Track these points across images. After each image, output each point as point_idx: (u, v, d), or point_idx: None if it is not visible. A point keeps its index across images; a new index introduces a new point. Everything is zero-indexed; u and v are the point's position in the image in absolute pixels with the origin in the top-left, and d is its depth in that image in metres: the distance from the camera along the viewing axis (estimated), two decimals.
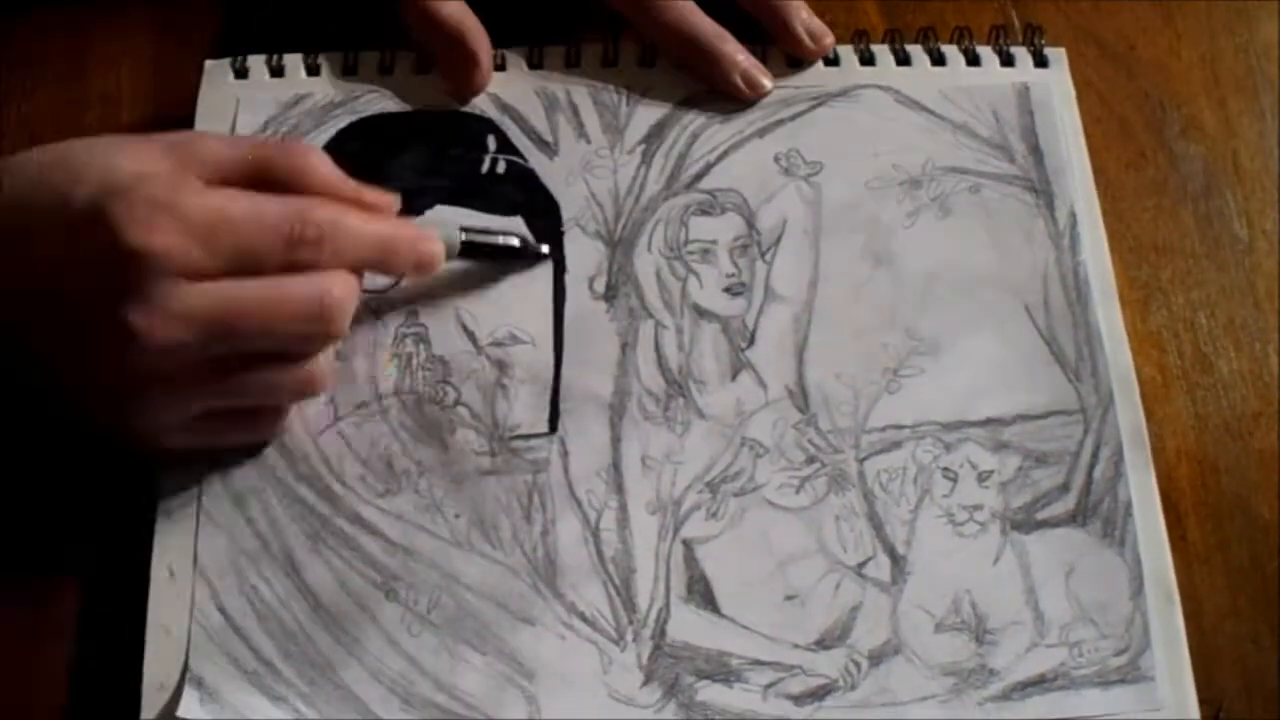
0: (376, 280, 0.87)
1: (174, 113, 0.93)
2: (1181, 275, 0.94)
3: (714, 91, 0.95)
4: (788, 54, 0.97)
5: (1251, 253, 0.95)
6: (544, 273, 0.90)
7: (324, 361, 0.80)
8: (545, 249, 0.89)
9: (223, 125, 0.92)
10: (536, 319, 0.88)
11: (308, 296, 0.75)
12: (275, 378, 0.79)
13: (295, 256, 0.75)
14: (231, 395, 0.79)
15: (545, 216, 0.91)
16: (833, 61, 0.97)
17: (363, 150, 0.92)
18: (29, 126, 0.95)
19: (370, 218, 0.80)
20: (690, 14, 0.95)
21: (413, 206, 0.89)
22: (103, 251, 0.71)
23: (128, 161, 0.74)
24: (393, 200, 0.83)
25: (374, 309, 0.87)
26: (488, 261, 0.88)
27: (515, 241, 0.88)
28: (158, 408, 0.77)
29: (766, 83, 0.95)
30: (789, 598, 0.82)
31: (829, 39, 0.96)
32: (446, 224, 0.85)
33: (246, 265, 0.74)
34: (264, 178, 0.77)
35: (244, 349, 0.76)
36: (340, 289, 0.76)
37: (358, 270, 0.79)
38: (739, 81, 0.94)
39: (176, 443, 0.80)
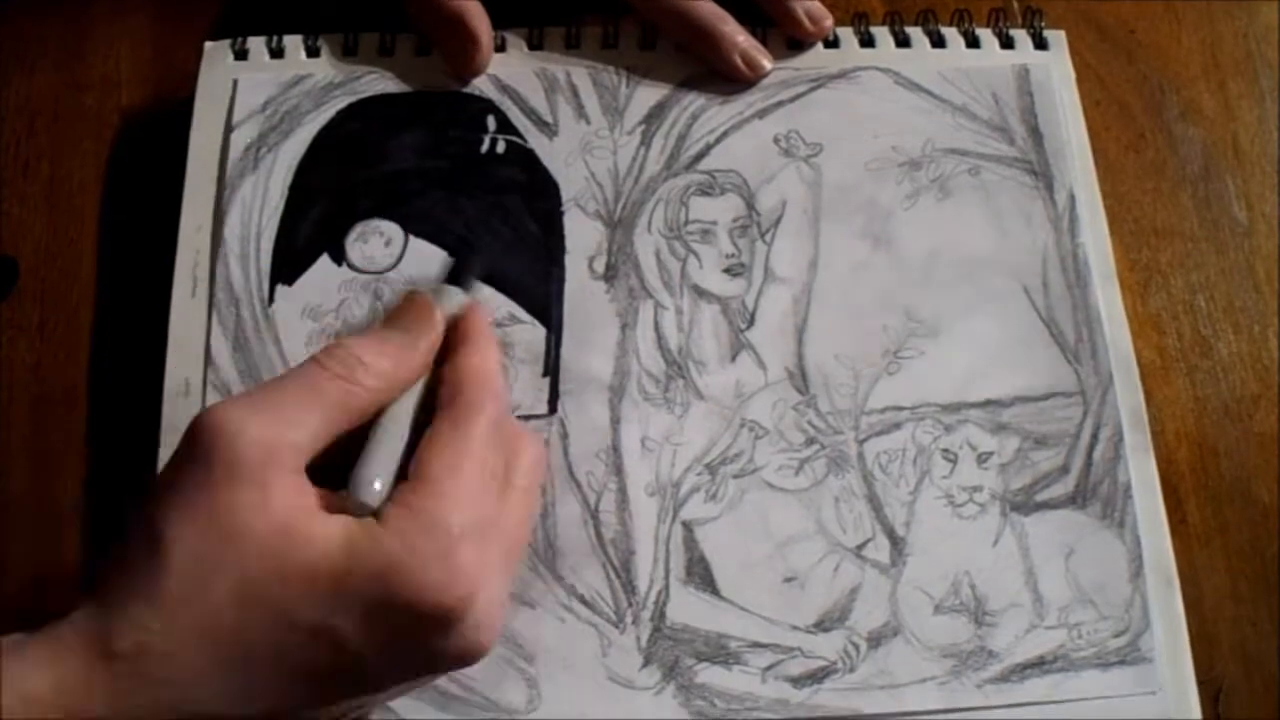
0: (379, 260, 0.88)
1: (174, 95, 0.93)
2: (1181, 258, 0.94)
3: (714, 73, 0.95)
4: (787, 36, 0.97)
5: (1251, 235, 0.95)
6: (543, 253, 0.90)
7: None
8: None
9: (222, 106, 0.92)
10: (536, 299, 0.88)
11: (531, 478, 0.75)
12: None
13: (508, 454, 0.73)
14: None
15: (544, 197, 0.91)
16: (832, 43, 0.97)
17: (362, 130, 0.92)
18: (28, 109, 0.95)
19: (476, 353, 0.75)
20: None
21: (411, 188, 0.90)
22: (415, 619, 0.65)
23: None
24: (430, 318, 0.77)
25: (374, 290, 0.87)
26: None
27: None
28: None
29: (766, 63, 0.95)
30: (788, 580, 0.82)
31: (828, 21, 0.96)
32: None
33: (498, 499, 0.71)
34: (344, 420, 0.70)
35: None
36: (531, 448, 0.75)
37: None
38: (738, 61, 0.94)
39: None
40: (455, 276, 0.81)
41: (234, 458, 0.64)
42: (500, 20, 0.94)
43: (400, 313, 0.76)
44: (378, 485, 0.67)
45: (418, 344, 0.73)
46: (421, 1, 0.92)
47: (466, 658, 0.68)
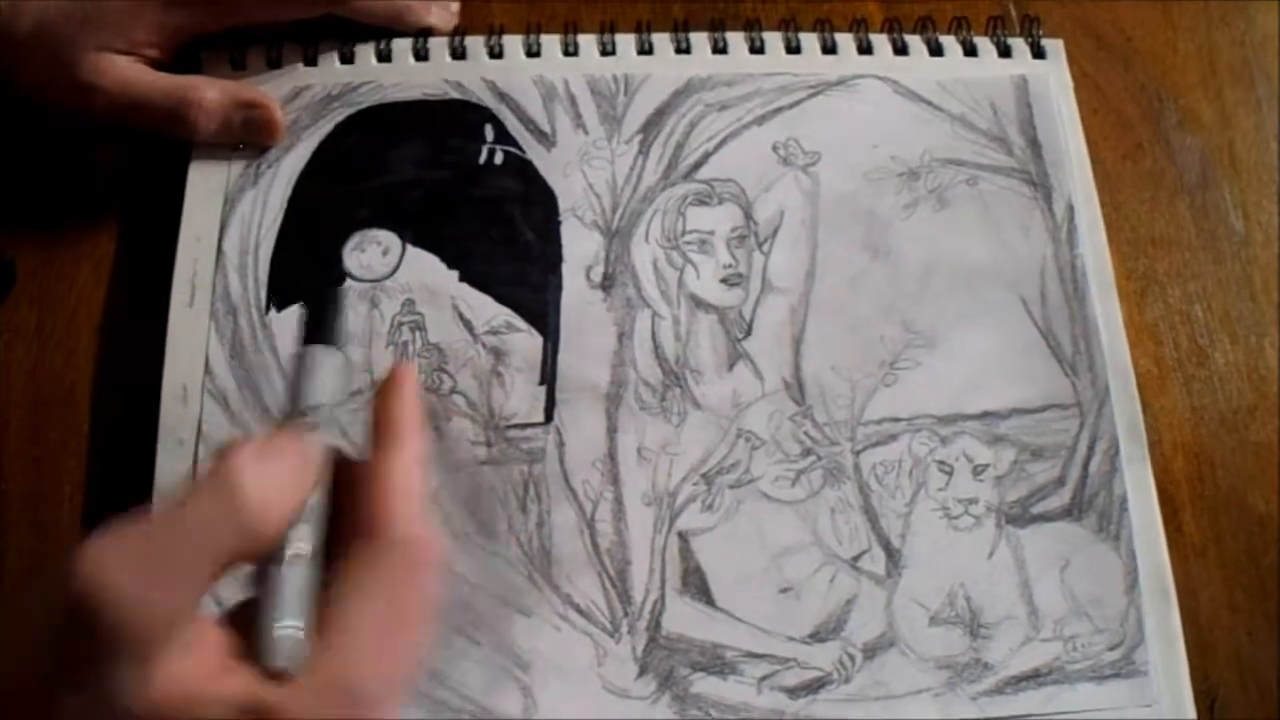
0: (376, 269, 0.88)
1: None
2: (1178, 267, 0.94)
3: (713, 78, 0.95)
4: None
5: (1248, 245, 0.95)
6: (540, 262, 0.90)
7: None
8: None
9: None
10: (533, 308, 0.88)
11: (432, 584, 0.66)
12: None
13: (416, 574, 0.65)
14: None
15: (542, 206, 0.91)
16: (831, 50, 0.97)
17: (361, 142, 0.92)
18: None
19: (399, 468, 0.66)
20: None
21: (409, 198, 0.91)
22: None
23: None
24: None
25: (370, 298, 0.87)
26: None
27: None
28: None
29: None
30: (784, 590, 0.82)
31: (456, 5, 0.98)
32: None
33: (408, 623, 0.64)
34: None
35: None
36: (424, 538, 0.65)
37: None
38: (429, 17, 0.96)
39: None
40: (315, 332, 0.68)
41: (115, 636, 0.56)
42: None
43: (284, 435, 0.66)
44: (287, 643, 0.59)
45: (304, 461, 0.63)
46: (192, 119, 0.90)
47: None
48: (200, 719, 0.57)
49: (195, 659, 0.58)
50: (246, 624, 0.60)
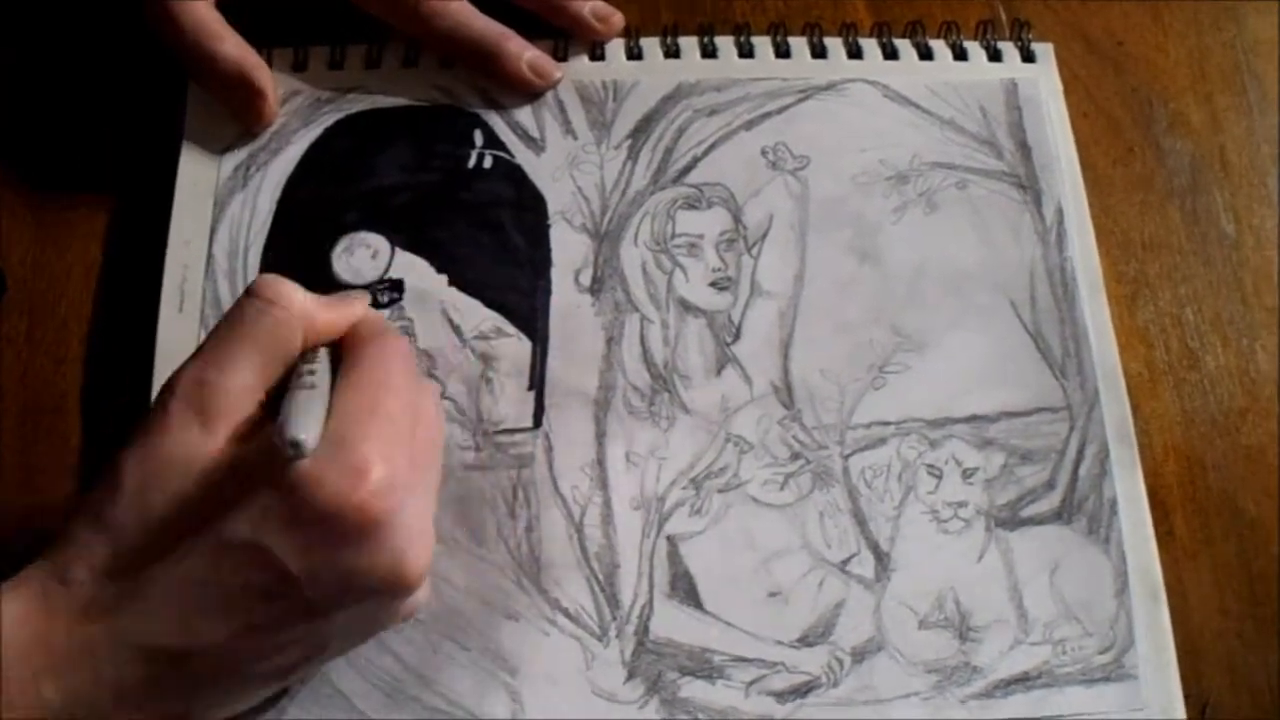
0: (365, 273, 0.88)
1: (162, 114, 0.93)
2: (1168, 270, 0.94)
3: (702, 83, 0.95)
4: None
5: (1238, 248, 0.95)
6: (529, 266, 0.90)
7: None
8: None
9: (211, 124, 0.92)
10: (522, 312, 0.88)
11: (438, 403, 0.78)
12: None
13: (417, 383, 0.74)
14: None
15: (531, 210, 0.91)
16: (820, 54, 0.97)
17: (350, 146, 0.92)
18: None
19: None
20: (468, 17, 0.94)
21: (398, 201, 0.91)
22: (337, 528, 0.65)
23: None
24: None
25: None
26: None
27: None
28: None
29: (556, 71, 0.95)
30: (772, 594, 0.82)
31: (617, 17, 0.97)
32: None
33: (413, 424, 0.71)
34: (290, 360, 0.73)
35: None
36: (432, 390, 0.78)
37: None
38: (527, 72, 0.94)
39: None
40: None
41: (177, 402, 0.68)
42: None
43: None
44: (304, 435, 0.65)
45: (344, 304, 0.75)
46: (198, 63, 0.91)
47: (397, 583, 0.67)
48: (228, 479, 0.66)
49: (239, 432, 0.68)
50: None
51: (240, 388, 0.69)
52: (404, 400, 0.70)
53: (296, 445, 0.63)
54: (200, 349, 0.71)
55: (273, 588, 0.65)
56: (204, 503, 0.65)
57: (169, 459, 0.66)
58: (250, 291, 0.71)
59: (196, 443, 0.66)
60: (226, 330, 0.70)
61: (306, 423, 0.65)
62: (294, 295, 0.71)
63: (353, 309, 0.75)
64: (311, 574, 0.65)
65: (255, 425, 0.68)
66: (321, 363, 0.71)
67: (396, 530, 0.66)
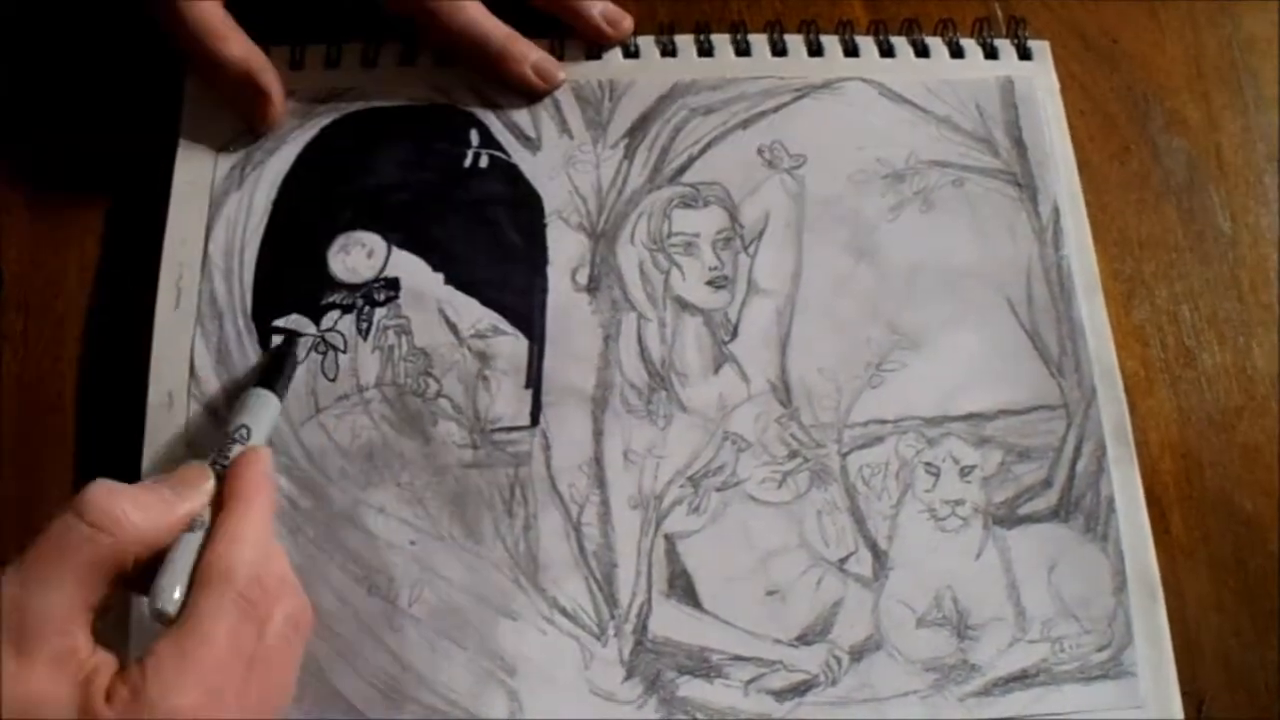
0: (362, 272, 0.88)
1: (158, 113, 0.93)
2: (1165, 269, 0.94)
3: (698, 83, 0.95)
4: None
5: (1235, 246, 0.95)
6: (526, 265, 0.90)
7: None
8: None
9: (208, 123, 0.92)
10: (519, 310, 0.88)
11: (283, 637, 0.73)
12: None
13: (262, 622, 0.72)
14: None
15: (527, 209, 0.91)
16: (816, 52, 0.97)
17: (347, 146, 0.92)
18: None
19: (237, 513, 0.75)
20: (479, 16, 0.94)
21: (394, 200, 0.91)
22: None
23: None
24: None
25: (354, 302, 0.87)
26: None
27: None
28: None
29: (559, 74, 0.94)
30: (770, 593, 0.82)
31: (627, 22, 0.97)
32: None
33: (244, 667, 0.70)
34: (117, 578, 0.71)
35: None
36: (291, 602, 0.74)
37: None
38: (531, 75, 0.93)
39: None
40: (268, 378, 0.84)
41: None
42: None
43: (177, 474, 0.76)
44: (171, 596, 0.70)
45: (177, 508, 0.73)
46: (204, 64, 0.91)
47: None
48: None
49: (59, 668, 0.66)
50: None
51: (59, 615, 0.67)
52: (244, 629, 0.70)
53: (162, 615, 0.69)
54: (17, 565, 0.68)
55: None
56: None
57: None
58: (75, 511, 0.69)
59: (12, 675, 0.65)
60: (47, 551, 0.69)
61: (166, 593, 0.70)
62: (122, 518, 0.70)
63: (196, 499, 0.74)
64: None
65: (73, 651, 0.67)
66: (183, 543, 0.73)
67: None
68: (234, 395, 0.84)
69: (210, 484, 0.75)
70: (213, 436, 0.82)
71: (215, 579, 0.71)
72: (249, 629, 0.70)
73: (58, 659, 0.66)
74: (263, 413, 0.81)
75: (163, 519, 0.72)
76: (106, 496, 0.70)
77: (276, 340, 0.87)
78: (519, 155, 0.92)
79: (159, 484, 0.75)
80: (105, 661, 0.68)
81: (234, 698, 0.68)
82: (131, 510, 0.70)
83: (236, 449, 0.77)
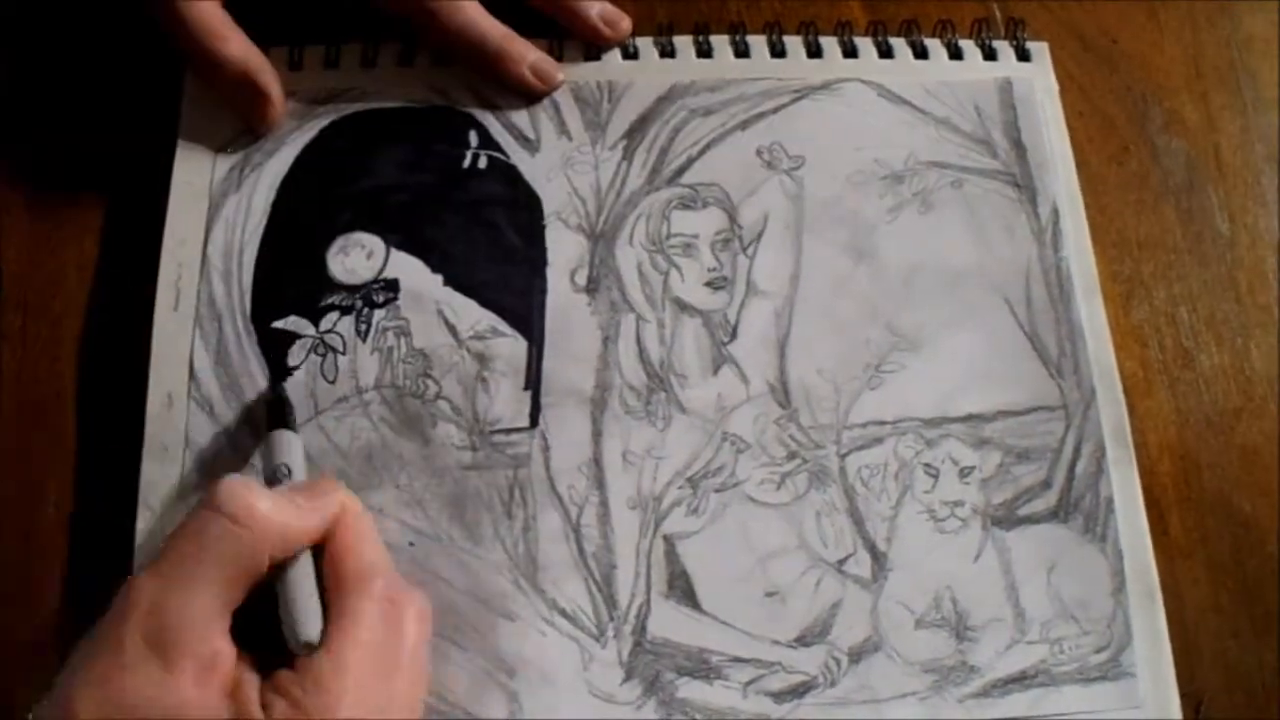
0: (361, 273, 0.88)
1: (157, 113, 0.93)
2: (1163, 270, 0.94)
3: (697, 84, 0.95)
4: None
5: (1233, 247, 0.95)
6: (525, 266, 0.90)
7: None
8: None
9: (207, 123, 0.92)
10: (518, 312, 0.88)
11: (419, 634, 0.75)
12: None
13: (397, 622, 0.74)
14: None
15: (526, 210, 0.91)
16: (815, 53, 0.97)
17: (346, 147, 0.92)
18: None
19: (354, 528, 0.77)
20: (477, 17, 0.94)
21: (393, 202, 0.91)
22: None
23: None
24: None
25: (353, 304, 0.87)
26: None
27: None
28: None
29: (557, 74, 0.94)
30: (769, 594, 0.82)
31: (625, 23, 0.97)
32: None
33: (394, 669, 0.72)
34: (255, 580, 0.71)
35: None
36: (415, 605, 0.75)
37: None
38: (529, 75, 0.93)
39: None
40: (277, 419, 0.84)
41: (134, 635, 0.65)
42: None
43: (304, 484, 0.78)
44: (315, 624, 0.71)
45: (311, 510, 0.74)
46: (203, 64, 0.91)
47: None
48: None
49: (206, 674, 0.66)
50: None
51: (202, 618, 0.67)
52: (384, 634, 0.72)
53: (310, 646, 0.69)
54: (157, 565, 0.69)
55: None
56: None
57: (132, 706, 0.64)
58: (212, 505, 0.70)
59: (159, 683, 0.65)
60: (186, 547, 0.69)
61: (311, 622, 0.71)
62: (261, 511, 0.70)
63: (328, 506, 0.75)
64: None
65: (218, 657, 0.67)
66: (303, 568, 0.74)
67: None
68: (233, 396, 0.85)
69: (341, 493, 0.76)
70: (211, 435, 0.83)
71: (353, 583, 0.72)
72: (393, 630, 0.72)
73: (205, 666, 0.66)
74: (292, 450, 0.81)
75: (297, 519, 0.72)
76: (243, 489, 0.70)
77: (277, 338, 0.87)
78: (518, 156, 0.92)
79: (287, 490, 0.76)
80: (248, 667, 0.68)
81: (388, 700, 0.70)
82: (268, 506, 0.71)
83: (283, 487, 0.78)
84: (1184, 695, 0.81)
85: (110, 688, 0.64)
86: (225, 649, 0.67)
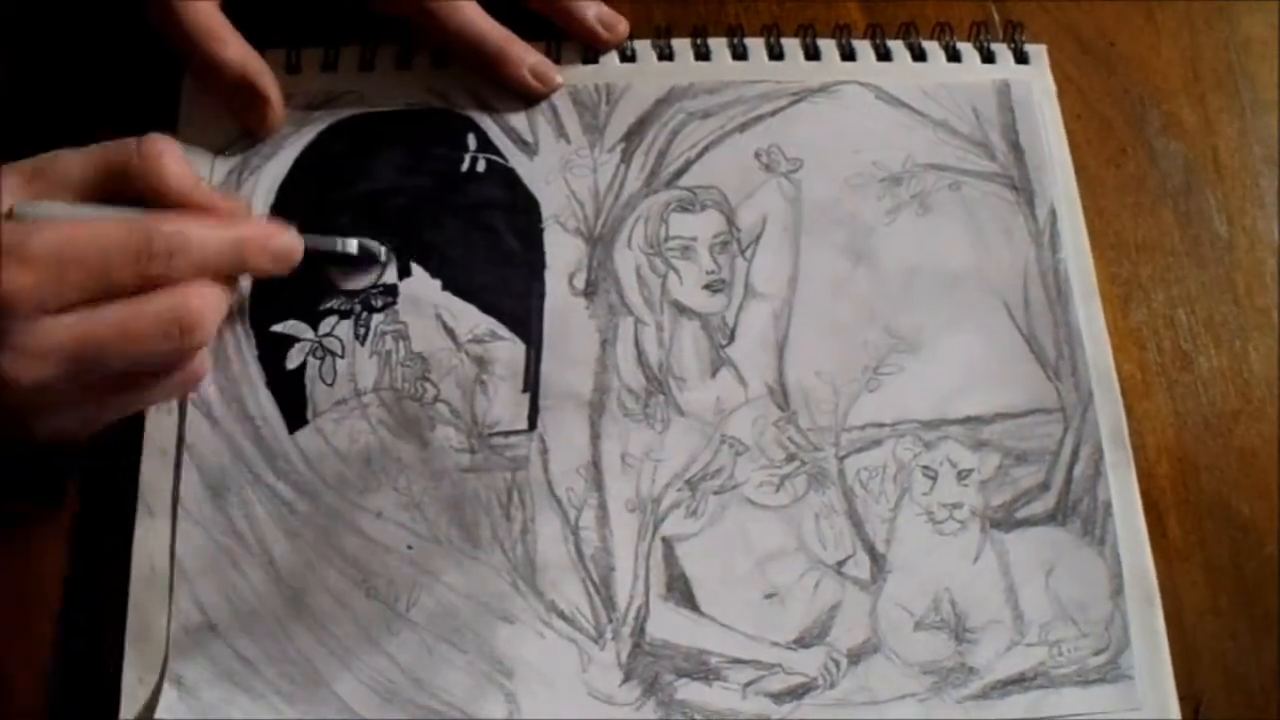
0: (361, 280, 0.88)
1: (155, 117, 0.92)
2: (1161, 272, 0.94)
3: (695, 86, 0.95)
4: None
5: (1231, 249, 0.95)
6: (523, 269, 0.90)
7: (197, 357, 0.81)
8: (382, 253, 0.89)
9: (204, 127, 0.92)
10: (516, 315, 0.88)
11: (164, 313, 0.75)
12: (150, 390, 0.80)
13: (146, 274, 0.74)
14: (113, 410, 0.79)
15: (525, 213, 0.91)
16: (813, 56, 0.97)
17: (344, 150, 0.92)
18: None
19: (219, 223, 0.79)
20: (476, 18, 0.94)
21: (391, 205, 0.90)
22: None
23: None
24: (244, 205, 0.87)
25: (352, 307, 0.87)
26: (332, 268, 0.89)
27: (354, 248, 0.88)
28: (46, 426, 0.76)
29: (556, 77, 0.95)
30: (768, 596, 0.82)
31: (622, 25, 0.97)
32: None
33: (100, 291, 0.73)
34: (121, 188, 0.78)
35: (113, 370, 0.76)
36: (197, 300, 0.76)
37: (217, 277, 0.79)
38: (529, 77, 0.94)
39: (83, 435, 0.80)
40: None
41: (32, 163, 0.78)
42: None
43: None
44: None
45: (203, 187, 0.82)
46: (201, 67, 0.91)
47: None
48: None
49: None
50: None
51: (69, 175, 0.78)
52: (146, 262, 0.75)
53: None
54: None
55: None
56: None
57: None
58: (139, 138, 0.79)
59: (12, 188, 0.76)
60: (102, 144, 0.79)
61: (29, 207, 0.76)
62: (158, 154, 0.79)
63: (208, 195, 0.81)
64: None
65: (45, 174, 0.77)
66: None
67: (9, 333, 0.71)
68: (232, 399, 0.85)
69: (251, 212, 0.86)
70: (209, 438, 0.83)
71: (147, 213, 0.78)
72: (128, 260, 0.74)
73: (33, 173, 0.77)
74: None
75: (185, 184, 0.79)
76: (164, 143, 0.79)
77: (275, 342, 0.87)
78: (516, 159, 0.92)
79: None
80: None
81: (75, 297, 0.73)
82: (172, 160, 0.79)
83: None
84: (1183, 697, 0.81)
85: None
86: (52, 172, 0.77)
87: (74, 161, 0.78)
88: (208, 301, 0.77)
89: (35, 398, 0.73)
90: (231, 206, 0.82)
